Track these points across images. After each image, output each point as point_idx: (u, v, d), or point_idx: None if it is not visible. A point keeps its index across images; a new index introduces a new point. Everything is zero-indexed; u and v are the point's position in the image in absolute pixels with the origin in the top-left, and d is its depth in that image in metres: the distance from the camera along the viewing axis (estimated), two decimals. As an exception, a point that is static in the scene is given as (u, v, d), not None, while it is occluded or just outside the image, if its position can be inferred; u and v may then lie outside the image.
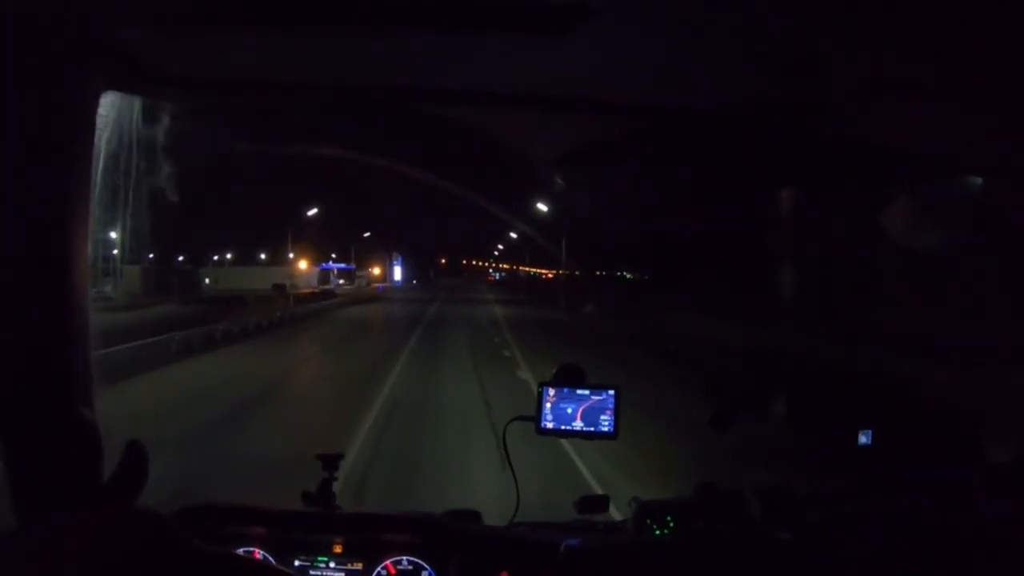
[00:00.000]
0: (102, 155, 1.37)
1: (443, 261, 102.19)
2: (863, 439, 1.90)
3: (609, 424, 1.49)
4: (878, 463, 1.89)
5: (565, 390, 1.50)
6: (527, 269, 75.76)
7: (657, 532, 1.65)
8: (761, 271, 13.39)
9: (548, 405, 1.49)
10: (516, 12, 1.12)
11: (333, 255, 56.97)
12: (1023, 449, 1.70)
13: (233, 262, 49.36)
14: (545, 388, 1.50)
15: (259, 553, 1.41)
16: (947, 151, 1.64)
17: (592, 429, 1.49)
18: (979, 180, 1.85)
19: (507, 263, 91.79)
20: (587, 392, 1.49)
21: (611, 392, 1.49)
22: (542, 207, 27.48)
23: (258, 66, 1.49)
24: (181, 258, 40.38)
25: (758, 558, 1.49)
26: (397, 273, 70.94)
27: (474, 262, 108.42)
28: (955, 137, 1.52)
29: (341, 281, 53.10)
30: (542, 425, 1.50)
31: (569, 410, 1.49)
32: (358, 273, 58.29)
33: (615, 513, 1.89)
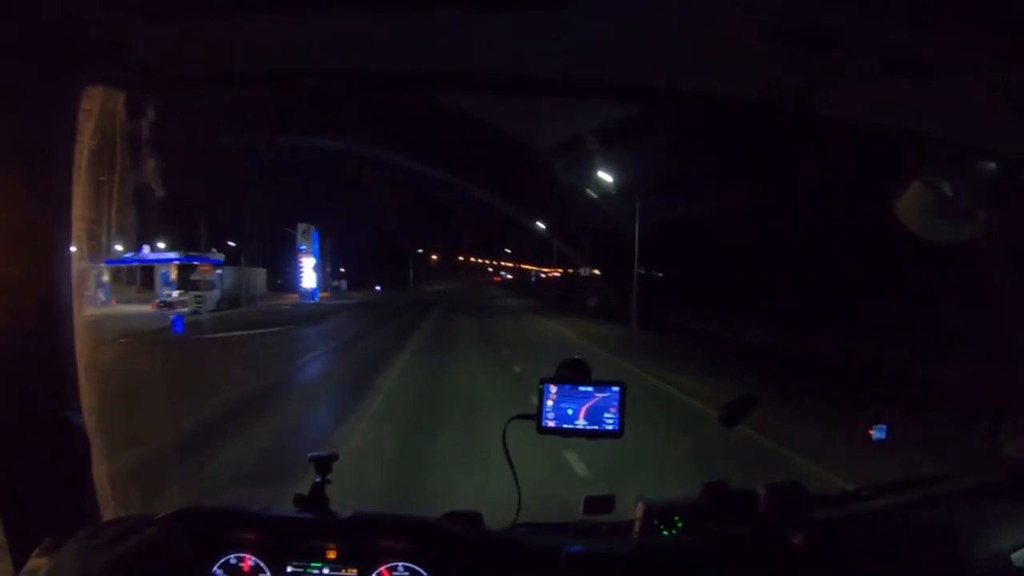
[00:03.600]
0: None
1: (434, 257, 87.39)
2: (878, 435, 1.84)
3: (614, 422, 1.43)
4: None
5: (567, 387, 1.44)
6: (528, 267, 74.44)
7: (665, 533, 1.60)
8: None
9: (550, 403, 1.43)
10: None
11: (231, 243, 33.74)
12: None
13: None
14: (547, 385, 1.44)
15: (250, 559, 1.36)
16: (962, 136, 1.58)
17: (596, 428, 1.43)
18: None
19: (510, 261, 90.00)
20: (591, 389, 1.43)
21: (615, 389, 1.43)
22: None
23: (249, 56, 1.44)
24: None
25: (769, 560, 1.43)
26: (309, 275, 35.20)
27: (472, 259, 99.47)
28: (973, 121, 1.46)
29: (175, 294, 25.86)
30: (543, 424, 1.44)
31: (571, 410, 1.43)
32: (196, 276, 26.47)
33: (622, 513, 1.83)
